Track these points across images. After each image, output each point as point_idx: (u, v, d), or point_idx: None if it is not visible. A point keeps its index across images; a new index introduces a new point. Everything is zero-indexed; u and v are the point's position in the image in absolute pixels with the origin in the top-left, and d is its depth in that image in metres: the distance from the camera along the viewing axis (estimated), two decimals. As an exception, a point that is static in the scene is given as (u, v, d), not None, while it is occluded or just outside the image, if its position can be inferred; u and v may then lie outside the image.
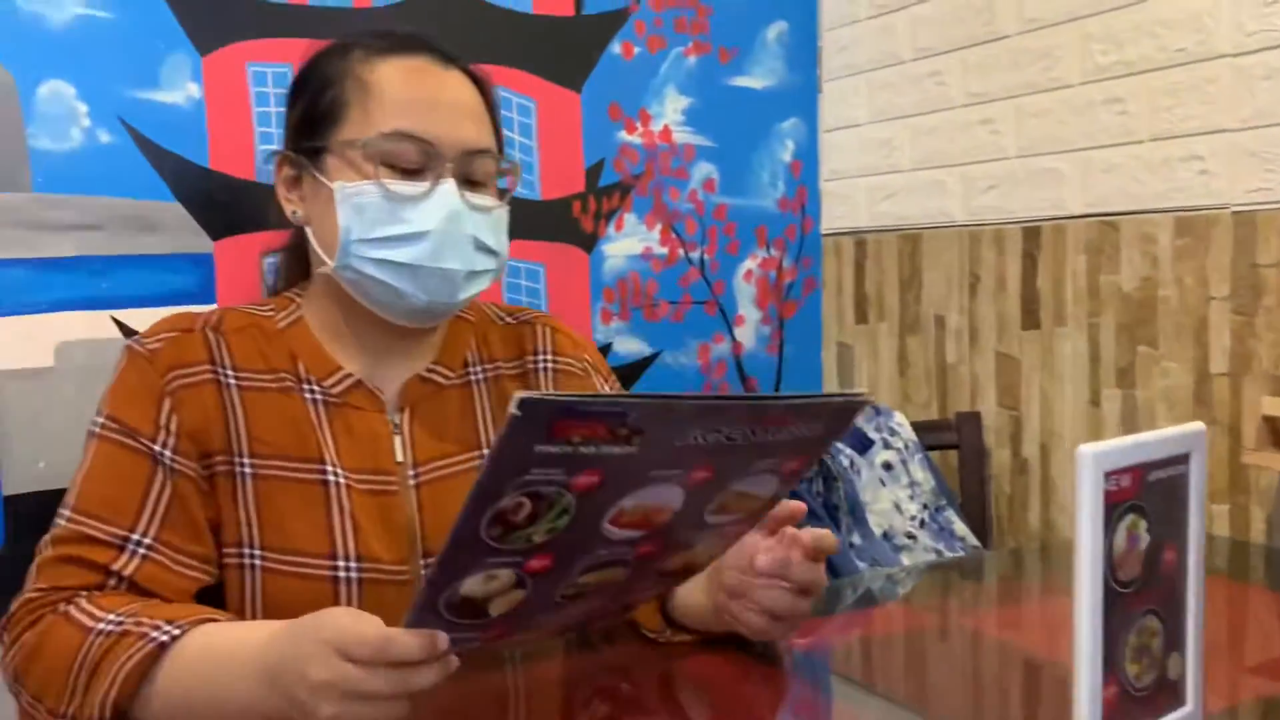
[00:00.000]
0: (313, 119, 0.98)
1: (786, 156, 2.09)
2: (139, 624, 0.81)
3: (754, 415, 0.71)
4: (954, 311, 1.90)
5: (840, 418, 0.78)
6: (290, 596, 0.92)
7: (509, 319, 1.12)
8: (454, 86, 0.99)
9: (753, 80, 2.05)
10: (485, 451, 1.02)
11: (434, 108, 0.96)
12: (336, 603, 0.92)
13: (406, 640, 0.69)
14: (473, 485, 0.64)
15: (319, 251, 0.98)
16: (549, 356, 1.09)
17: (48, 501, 1.47)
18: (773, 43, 2.06)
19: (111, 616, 0.82)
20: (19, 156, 1.45)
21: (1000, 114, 1.78)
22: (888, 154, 2.01)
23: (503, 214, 1.01)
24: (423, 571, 0.97)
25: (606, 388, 1.11)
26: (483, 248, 0.98)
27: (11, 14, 1.44)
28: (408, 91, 0.96)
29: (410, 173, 0.95)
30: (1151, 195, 1.57)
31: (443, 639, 0.71)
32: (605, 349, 1.93)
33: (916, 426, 1.76)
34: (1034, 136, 1.73)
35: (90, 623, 0.83)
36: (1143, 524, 0.66)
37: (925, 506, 1.67)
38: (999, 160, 1.79)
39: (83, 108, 1.49)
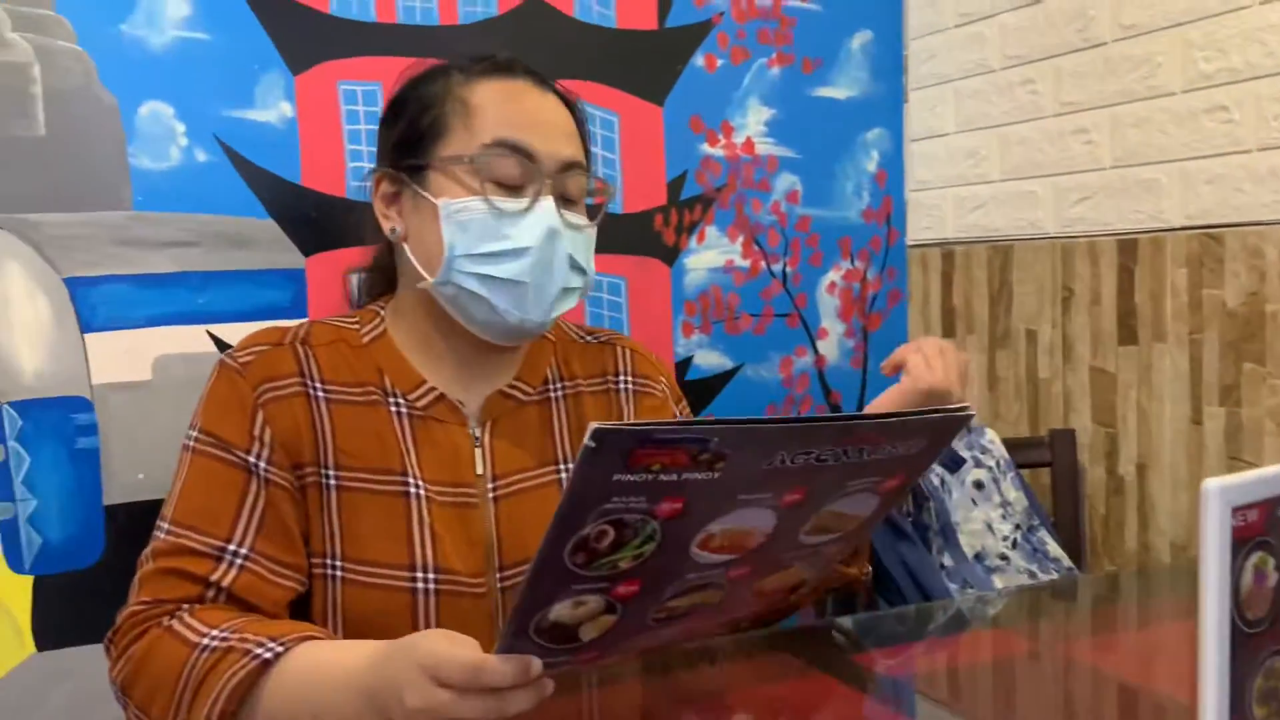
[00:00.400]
0: (414, 138, 1.00)
1: (871, 167, 2.07)
2: (243, 640, 0.83)
3: (842, 436, 0.69)
4: (1046, 325, 1.85)
5: (941, 432, 0.76)
6: (368, 606, 0.93)
7: (589, 339, 1.13)
8: (550, 107, 1.01)
9: (837, 90, 2.02)
10: (562, 466, 1.03)
11: (533, 124, 0.98)
12: (413, 614, 0.94)
13: (499, 666, 0.69)
14: (554, 514, 0.64)
15: (417, 267, 0.99)
16: (629, 377, 1.11)
17: (146, 512, 1.52)
18: (857, 52, 2.04)
19: (215, 632, 0.84)
20: (121, 175, 1.49)
21: (1095, 123, 1.73)
22: (976, 164, 1.96)
23: (592, 234, 1.03)
24: (499, 585, 0.98)
25: (679, 416, 1.12)
26: (575, 266, 1.00)
27: (115, 38, 1.48)
28: (508, 107, 0.99)
29: (511, 189, 0.97)
30: (1258, 207, 1.51)
31: (536, 664, 0.71)
32: (686, 362, 1.92)
33: (1008, 444, 1.72)
34: (1131, 146, 1.68)
35: (195, 638, 0.84)
36: (1271, 561, 0.63)
37: (1018, 527, 1.63)
38: (1094, 171, 1.74)
39: (180, 127, 1.53)
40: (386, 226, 1.02)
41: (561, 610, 0.69)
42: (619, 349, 1.12)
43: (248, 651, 0.82)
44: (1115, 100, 1.70)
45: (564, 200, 0.99)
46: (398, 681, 0.73)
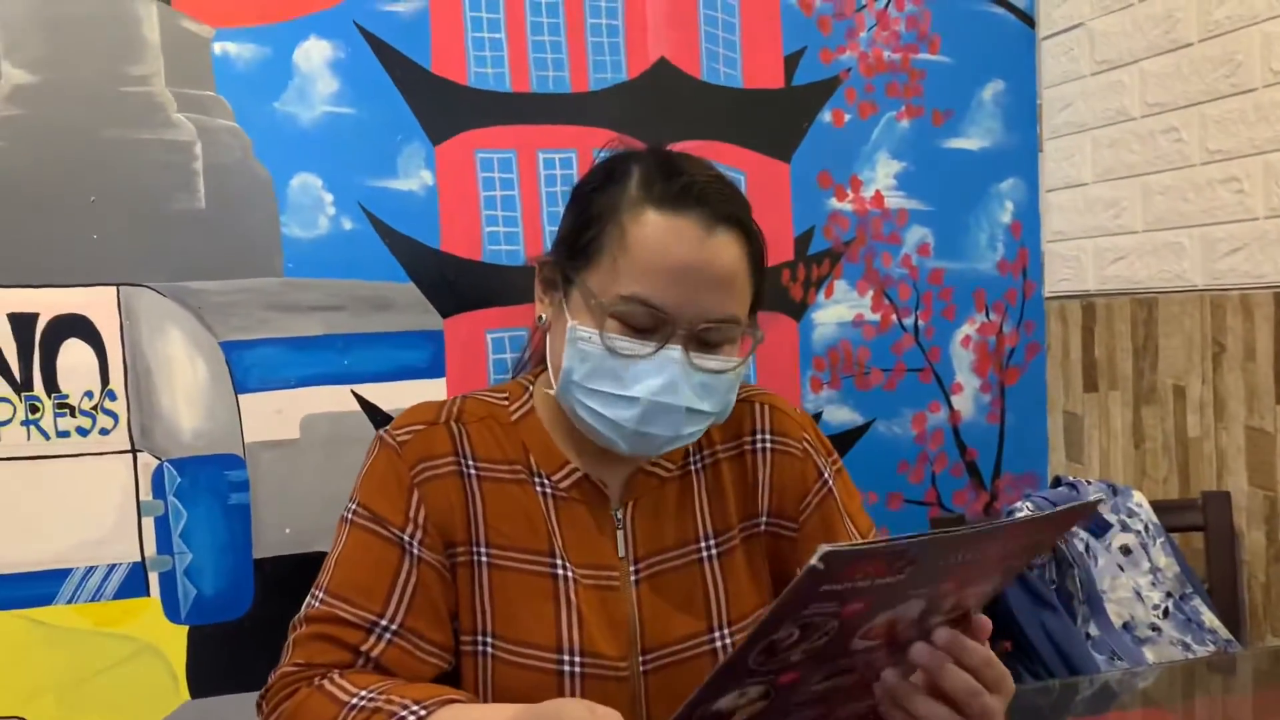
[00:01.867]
0: (572, 245, 0.98)
1: (1006, 218, 2.02)
2: (390, 701, 0.86)
3: (1020, 534, 0.73)
4: (1195, 381, 1.77)
5: (1074, 517, 0.78)
6: (517, 686, 0.95)
7: None
8: (711, 252, 0.94)
9: (968, 141, 1.99)
10: (703, 544, 1.03)
11: (681, 277, 0.92)
12: (559, 696, 0.94)
13: None
14: (757, 622, 0.67)
15: (549, 363, 1.00)
16: (767, 437, 1.07)
17: (293, 565, 1.58)
18: (988, 103, 2.01)
19: (364, 693, 0.88)
20: (274, 244, 1.58)
21: (1247, 171, 1.66)
22: (1116, 214, 1.90)
23: (736, 374, 0.97)
24: (640, 668, 0.98)
25: (827, 469, 1.08)
26: (695, 413, 0.95)
27: (269, 114, 1.57)
28: (659, 258, 0.93)
29: (642, 330, 0.93)
30: None
31: None
32: (815, 418, 1.90)
33: (1156, 506, 1.64)
34: (1287, 195, 1.60)
35: (345, 696, 0.88)
36: None
37: (1169, 594, 1.55)
38: (1246, 221, 1.67)
39: (328, 197, 1.61)
40: (538, 310, 1.02)
41: (726, 701, 0.72)
42: (756, 406, 1.08)
43: (394, 713, 0.85)
44: (1269, 147, 1.63)
45: (701, 344, 0.94)
46: None
